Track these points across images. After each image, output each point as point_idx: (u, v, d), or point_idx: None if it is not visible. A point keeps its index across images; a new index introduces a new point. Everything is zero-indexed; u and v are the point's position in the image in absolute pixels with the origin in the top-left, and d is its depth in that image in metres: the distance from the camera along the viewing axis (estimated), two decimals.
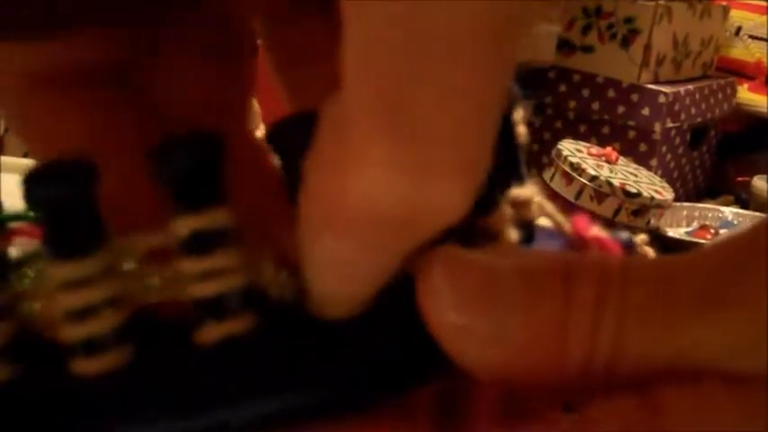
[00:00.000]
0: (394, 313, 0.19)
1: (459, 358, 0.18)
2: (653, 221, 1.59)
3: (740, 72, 1.85)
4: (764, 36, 1.82)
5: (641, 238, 0.27)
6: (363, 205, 0.16)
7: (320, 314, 0.18)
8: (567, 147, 1.61)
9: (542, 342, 0.17)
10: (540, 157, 1.69)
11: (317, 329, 0.18)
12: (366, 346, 0.19)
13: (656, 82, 1.71)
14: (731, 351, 0.17)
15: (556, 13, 1.73)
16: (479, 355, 0.18)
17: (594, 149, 1.62)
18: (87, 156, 0.16)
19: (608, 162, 1.63)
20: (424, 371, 0.19)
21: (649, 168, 1.69)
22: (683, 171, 1.83)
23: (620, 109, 1.72)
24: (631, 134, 1.74)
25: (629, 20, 1.71)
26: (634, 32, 1.70)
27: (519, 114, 0.22)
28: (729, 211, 1.72)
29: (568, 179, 1.59)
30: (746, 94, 1.83)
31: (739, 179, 1.82)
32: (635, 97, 1.71)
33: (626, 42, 1.71)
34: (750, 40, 1.85)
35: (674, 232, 1.64)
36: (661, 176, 1.69)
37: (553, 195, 1.58)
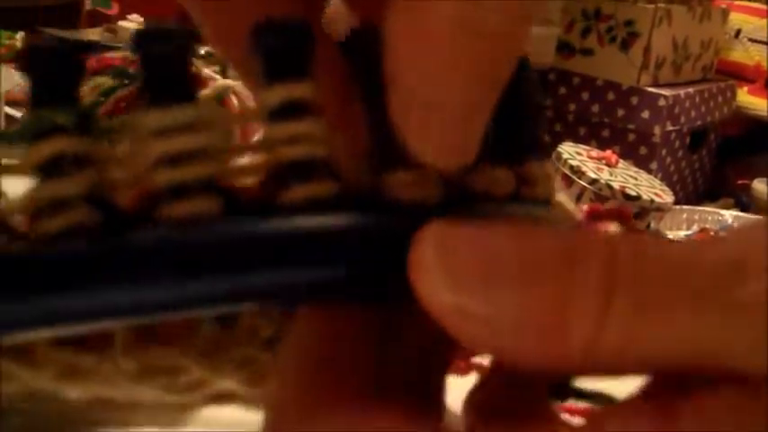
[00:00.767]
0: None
1: (454, 335, 0.17)
2: (653, 224, 1.59)
3: (740, 75, 1.85)
4: (764, 39, 1.83)
5: None
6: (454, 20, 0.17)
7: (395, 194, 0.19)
8: (567, 150, 1.61)
9: (539, 324, 0.17)
10: None
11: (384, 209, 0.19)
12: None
13: (655, 85, 1.71)
14: (735, 346, 0.16)
15: (555, 15, 1.73)
16: (474, 335, 0.17)
17: (594, 152, 1.62)
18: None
19: (608, 165, 1.63)
20: None
21: (649, 171, 1.69)
22: (683, 174, 1.83)
23: (620, 112, 1.72)
24: (631, 137, 1.74)
25: (628, 23, 1.71)
26: (634, 35, 1.71)
27: (537, 89, 0.22)
28: (729, 214, 1.72)
29: (568, 182, 1.59)
30: (746, 98, 1.83)
31: (739, 182, 1.82)
32: (635, 100, 1.71)
33: (625, 45, 1.71)
34: (750, 43, 1.86)
35: (674, 235, 1.64)
36: (661, 179, 1.69)
37: None
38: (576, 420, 0.18)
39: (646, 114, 1.71)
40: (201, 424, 0.29)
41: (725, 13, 1.83)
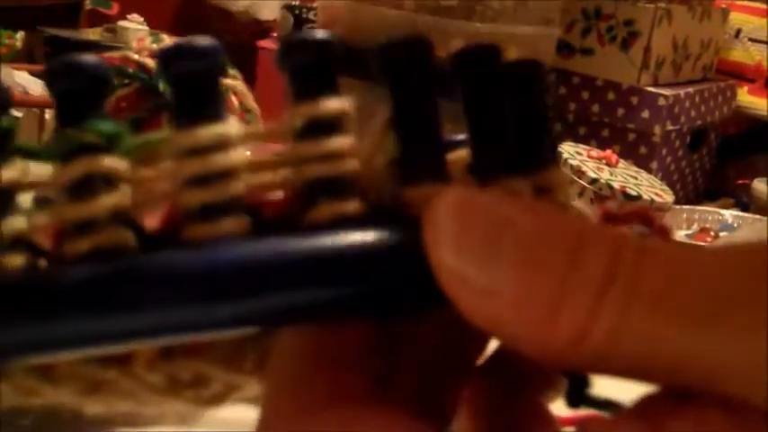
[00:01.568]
0: None
1: (452, 300, 0.18)
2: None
3: (740, 75, 1.85)
4: (764, 39, 1.83)
5: None
6: None
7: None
8: (567, 149, 1.61)
9: (534, 304, 0.17)
10: None
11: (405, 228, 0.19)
12: None
13: (655, 84, 1.71)
14: (739, 368, 0.16)
15: (555, 15, 1.73)
16: (471, 303, 0.17)
17: (594, 152, 1.62)
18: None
19: (608, 165, 1.63)
20: None
21: (649, 171, 1.69)
22: (683, 174, 1.83)
23: (620, 111, 1.72)
24: (631, 137, 1.74)
25: (628, 22, 1.71)
26: (634, 35, 1.70)
27: (548, 97, 0.22)
28: (729, 214, 1.72)
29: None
30: (746, 97, 1.83)
31: (739, 182, 1.82)
32: (635, 100, 1.71)
33: (626, 45, 1.71)
34: (750, 42, 1.86)
35: (674, 235, 1.64)
36: (661, 179, 1.69)
37: None
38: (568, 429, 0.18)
39: (646, 114, 1.71)
40: (213, 423, 0.29)
41: (725, 13, 1.83)
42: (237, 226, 0.18)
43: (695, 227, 1.74)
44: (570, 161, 1.66)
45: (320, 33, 0.19)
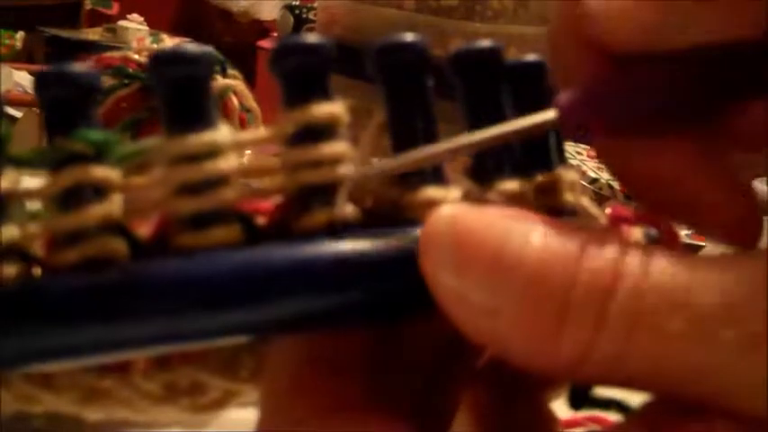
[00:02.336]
0: None
1: (451, 318, 0.17)
2: None
3: None
4: None
5: None
6: None
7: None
8: (567, 149, 1.61)
9: (536, 322, 0.17)
10: None
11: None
12: None
13: None
14: (744, 383, 0.16)
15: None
16: (471, 322, 0.17)
17: (594, 152, 1.62)
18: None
19: None
20: None
21: None
22: None
23: None
24: None
25: None
26: None
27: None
28: None
29: None
30: None
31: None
32: None
33: None
34: None
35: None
36: None
37: None
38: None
39: None
40: (217, 426, 0.29)
41: None
42: (229, 234, 0.18)
43: None
44: (570, 161, 1.66)
45: (312, 38, 0.19)
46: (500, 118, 0.21)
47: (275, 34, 2.92)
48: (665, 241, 0.26)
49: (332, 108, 0.19)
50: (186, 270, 0.17)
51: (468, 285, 0.17)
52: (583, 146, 1.70)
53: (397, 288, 0.18)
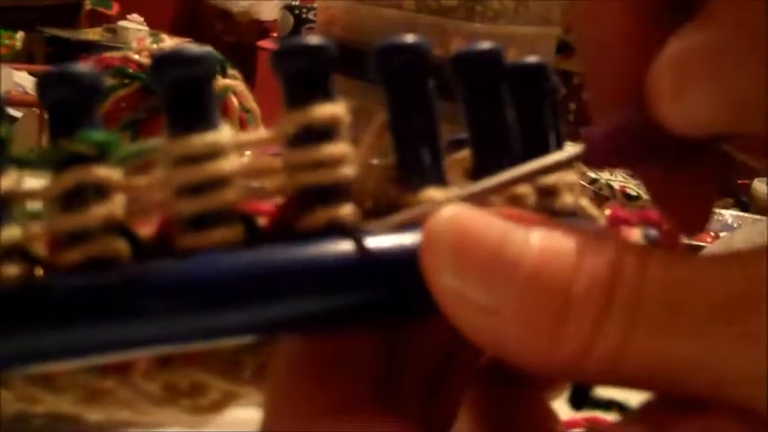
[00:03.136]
0: None
1: (451, 318, 0.17)
2: None
3: None
4: None
5: None
6: None
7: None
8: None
9: (536, 321, 0.17)
10: None
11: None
12: None
13: None
14: (743, 377, 0.16)
15: (555, 15, 1.73)
16: (471, 322, 0.17)
17: None
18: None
19: None
20: None
21: None
22: None
23: None
24: None
25: None
26: None
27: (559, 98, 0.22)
28: (729, 214, 1.72)
29: None
30: None
31: (739, 182, 1.82)
32: None
33: None
34: None
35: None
36: None
37: None
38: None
39: None
40: (218, 426, 0.29)
41: None
42: (231, 234, 0.18)
43: None
44: None
45: (314, 39, 0.19)
46: (501, 120, 0.21)
47: (275, 34, 2.92)
48: (665, 242, 0.26)
49: (333, 109, 0.19)
50: (188, 270, 0.17)
51: (467, 285, 0.17)
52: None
53: (397, 288, 0.18)
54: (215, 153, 0.18)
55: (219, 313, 0.17)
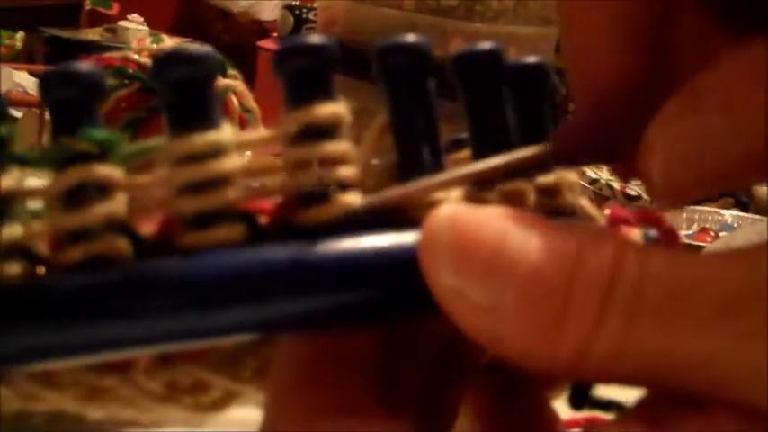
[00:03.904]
0: None
1: (451, 317, 0.18)
2: None
3: None
4: None
5: None
6: None
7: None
8: None
9: (536, 319, 0.17)
10: None
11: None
12: None
13: None
14: (746, 374, 0.16)
15: (555, 15, 1.74)
16: (471, 320, 0.17)
17: None
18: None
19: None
20: None
21: None
22: None
23: None
24: None
25: None
26: None
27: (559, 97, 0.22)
28: (729, 214, 1.72)
29: None
30: None
31: (738, 186, 1.82)
32: None
33: None
34: None
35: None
36: None
37: None
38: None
39: None
40: (218, 425, 0.29)
41: None
42: (232, 233, 0.18)
43: (695, 227, 1.74)
44: None
45: (315, 39, 0.19)
46: (501, 120, 0.21)
47: (275, 34, 2.92)
48: (664, 242, 0.26)
49: (334, 108, 0.19)
50: (190, 269, 0.17)
51: (467, 283, 0.17)
52: None
53: (397, 288, 0.18)
54: (216, 152, 0.18)
55: (221, 312, 0.17)
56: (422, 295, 0.18)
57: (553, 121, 0.23)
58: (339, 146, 0.19)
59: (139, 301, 0.17)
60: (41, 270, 0.18)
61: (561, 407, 0.25)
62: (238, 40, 3.07)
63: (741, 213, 1.70)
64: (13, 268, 0.17)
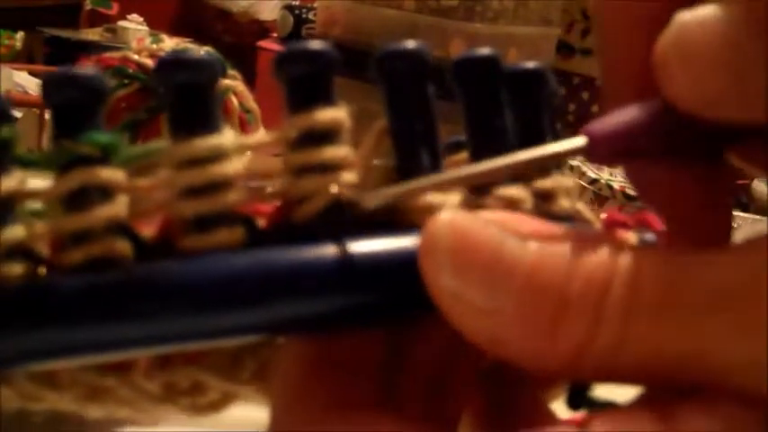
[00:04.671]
0: None
1: (451, 321, 0.18)
2: None
3: None
4: None
5: None
6: None
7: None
8: None
9: (533, 321, 0.17)
10: None
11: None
12: None
13: None
14: (743, 364, 0.16)
15: (555, 15, 1.74)
16: (470, 323, 0.18)
17: None
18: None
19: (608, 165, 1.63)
20: None
21: None
22: None
23: None
24: None
25: None
26: None
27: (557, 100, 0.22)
28: None
29: None
30: None
31: (739, 182, 1.82)
32: None
33: None
34: None
35: None
36: None
37: None
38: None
39: None
40: (219, 423, 0.29)
41: None
42: (233, 236, 0.18)
43: None
44: (570, 162, 1.66)
45: (316, 44, 0.19)
46: (500, 124, 0.21)
47: (275, 34, 2.92)
48: (661, 244, 0.26)
49: (335, 113, 0.19)
50: (191, 272, 0.17)
51: (466, 287, 0.17)
52: None
53: (396, 291, 0.18)
54: (217, 156, 0.18)
55: (221, 314, 0.17)
56: (421, 299, 0.18)
57: (551, 124, 0.23)
58: (339, 151, 0.19)
59: (140, 303, 0.17)
60: (43, 271, 0.18)
61: (559, 407, 0.25)
62: (238, 40, 3.07)
63: (741, 213, 1.70)
64: (15, 269, 0.17)
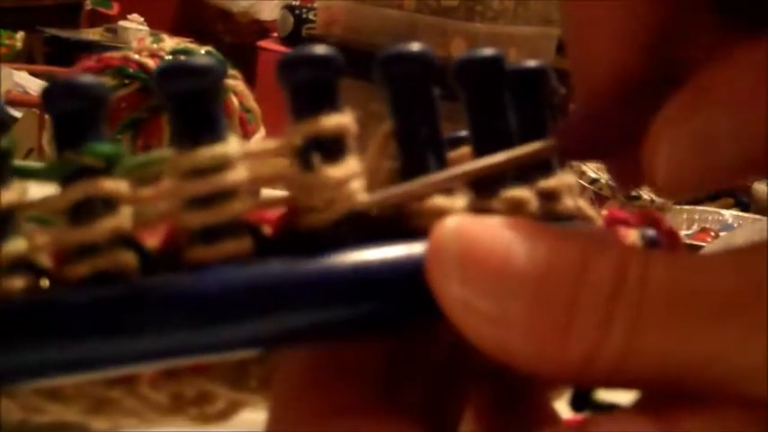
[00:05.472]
0: None
1: (458, 328, 0.18)
2: None
3: None
4: None
5: None
6: None
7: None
8: None
9: (543, 328, 0.17)
10: None
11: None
12: None
13: None
14: (749, 371, 0.16)
15: (555, 15, 1.74)
16: (479, 331, 0.18)
17: None
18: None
19: None
20: None
21: None
22: None
23: None
24: None
25: None
26: None
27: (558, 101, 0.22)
28: (729, 214, 1.72)
29: None
30: None
31: (739, 182, 1.82)
32: None
33: None
34: None
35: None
36: None
37: None
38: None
39: None
40: (223, 425, 0.29)
41: None
42: (240, 246, 0.18)
43: (695, 227, 1.74)
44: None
45: (320, 49, 0.19)
46: (502, 125, 0.21)
47: (275, 34, 2.92)
48: (665, 242, 0.26)
49: (341, 120, 0.19)
50: (199, 284, 0.17)
51: (474, 294, 0.17)
52: None
53: (404, 299, 0.18)
54: (223, 165, 0.18)
55: (230, 327, 0.17)
56: (428, 306, 0.18)
57: (554, 123, 0.23)
58: (347, 165, 0.19)
59: (147, 316, 0.17)
60: (45, 283, 0.18)
61: (562, 408, 0.25)
62: (238, 40, 3.07)
63: (741, 213, 1.70)
64: (17, 283, 0.17)
